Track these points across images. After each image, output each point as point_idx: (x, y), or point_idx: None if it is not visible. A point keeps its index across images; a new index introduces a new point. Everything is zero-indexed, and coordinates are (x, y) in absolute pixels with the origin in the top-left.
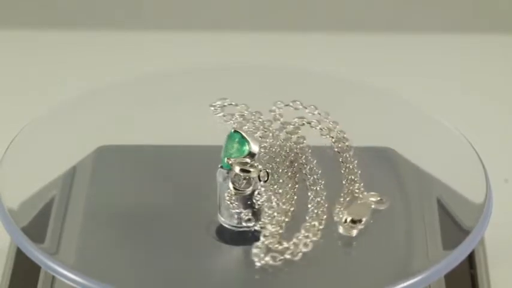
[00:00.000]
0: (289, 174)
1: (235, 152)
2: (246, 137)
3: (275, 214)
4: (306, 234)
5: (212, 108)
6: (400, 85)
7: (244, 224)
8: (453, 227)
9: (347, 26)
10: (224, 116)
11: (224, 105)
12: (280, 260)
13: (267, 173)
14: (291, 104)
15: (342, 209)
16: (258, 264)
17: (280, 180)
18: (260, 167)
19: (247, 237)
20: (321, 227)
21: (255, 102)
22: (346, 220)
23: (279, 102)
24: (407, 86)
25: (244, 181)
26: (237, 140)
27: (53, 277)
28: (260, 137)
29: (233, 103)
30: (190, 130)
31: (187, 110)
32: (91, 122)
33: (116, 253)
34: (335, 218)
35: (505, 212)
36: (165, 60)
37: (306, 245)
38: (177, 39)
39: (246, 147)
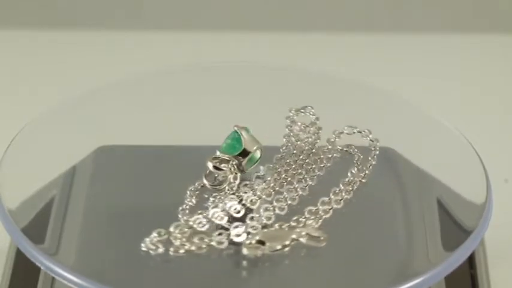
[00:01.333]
0: (277, 179)
1: (226, 147)
2: (245, 137)
3: (211, 213)
4: (209, 239)
5: (291, 113)
6: (400, 85)
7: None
8: (453, 227)
9: (347, 26)
10: (290, 122)
11: (303, 113)
12: (160, 251)
13: (237, 176)
14: (363, 132)
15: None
16: (144, 248)
17: (256, 186)
18: (234, 168)
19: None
20: (231, 237)
21: (254, 101)
22: (251, 242)
23: (346, 127)
24: (407, 86)
25: (223, 178)
26: (233, 137)
27: (53, 277)
28: (294, 149)
29: (312, 113)
30: (190, 130)
31: (188, 110)
32: (91, 122)
33: (116, 254)
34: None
35: (505, 212)
36: (165, 60)
37: (200, 248)
38: (177, 39)
39: (238, 146)
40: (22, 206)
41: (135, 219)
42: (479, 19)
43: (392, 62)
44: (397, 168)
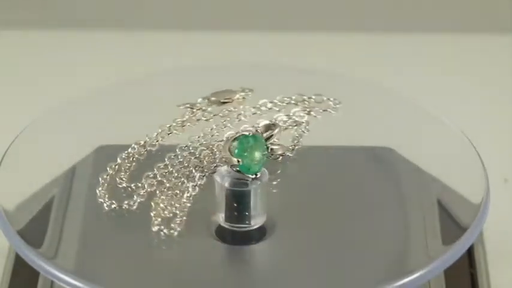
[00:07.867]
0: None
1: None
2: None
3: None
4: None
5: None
6: (400, 85)
7: None
8: (453, 226)
9: (347, 26)
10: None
11: None
12: None
13: None
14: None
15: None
16: None
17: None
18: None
19: (247, 237)
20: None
21: (254, 101)
22: None
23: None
24: (408, 86)
25: None
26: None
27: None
28: None
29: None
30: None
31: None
32: (91, 122)
33: (117, 256)
34: None
35: (504, 212)
36: (165, 60)
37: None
38: (177, 39)
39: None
40: (21, 206)
41: (135, 221)
42: (479, 19)
43: (392, 62)
44: (397, 168)
